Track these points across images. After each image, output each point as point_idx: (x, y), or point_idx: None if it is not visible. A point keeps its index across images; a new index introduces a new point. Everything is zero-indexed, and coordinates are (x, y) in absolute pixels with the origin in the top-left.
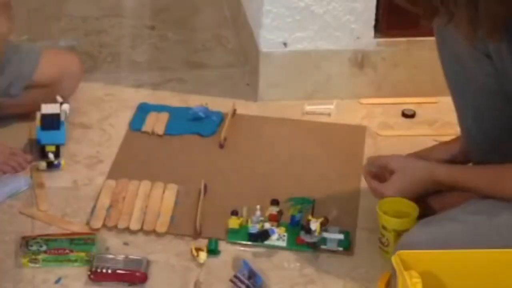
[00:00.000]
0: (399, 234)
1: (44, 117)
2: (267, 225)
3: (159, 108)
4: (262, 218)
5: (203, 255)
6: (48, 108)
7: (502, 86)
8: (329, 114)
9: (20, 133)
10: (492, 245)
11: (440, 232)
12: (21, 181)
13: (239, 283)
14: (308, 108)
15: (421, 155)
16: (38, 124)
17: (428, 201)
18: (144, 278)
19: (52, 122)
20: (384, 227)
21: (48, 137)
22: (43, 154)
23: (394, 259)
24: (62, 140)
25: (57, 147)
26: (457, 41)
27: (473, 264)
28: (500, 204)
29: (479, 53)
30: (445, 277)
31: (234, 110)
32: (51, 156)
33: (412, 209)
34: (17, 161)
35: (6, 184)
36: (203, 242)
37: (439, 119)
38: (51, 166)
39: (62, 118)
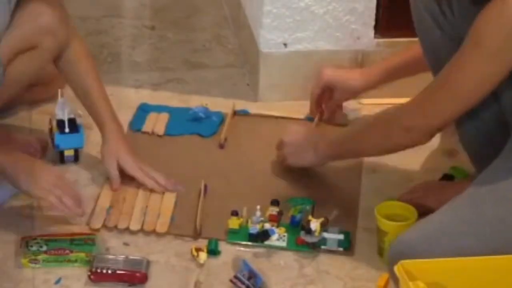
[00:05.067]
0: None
1: (60, 122)
2: (267, 226)
3: (159, 109)
4: (262, 219)
5: (203, 256)
6: (61, 113)
7: None
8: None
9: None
10: (478, 233)
11: (428, 226)
12: None
13: (239, 284)
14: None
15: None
16: (55, 129)
17: (427, 203)
18: (144, 279)
19: (70, 127)
20: (384, 232)
21: (66, 142)
22: (61, 159)
23: (398, 269)
24: (81, 144)
25: (76, 151)
26: (432, 35)
27: (480, 271)
28: (485, 195)
29: (455, 45)
30: (452, 286)
31: (234, 111)
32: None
33: (411, 213)
34: (66, 201)
35: (6, 185)
36: (203, 243)
37: None
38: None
39: (78, 121)
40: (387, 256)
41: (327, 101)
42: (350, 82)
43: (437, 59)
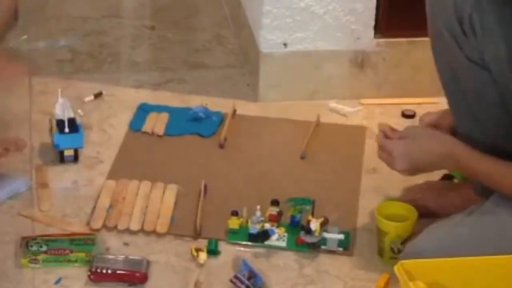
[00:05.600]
0: (397, 238)
1: (60, 122)
2: (267, 226)
3: (159, 109)
4: (262, 219)
5: (203, 256)
6: (61, 113)
7: (501, 95)
8: (345, 115)
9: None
10: (500, 250)
11: (447, 238)
12: (20, 183)
13: (239, 284)
14: (332, 105)
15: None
16: (55, 129)
17: (427, 203)
18: (144, 279)
19: (70, 127)
20: (384, 232)
21: (66, 142)
22: (61, 159)
23: (398, 269)
24: (81, 144)
25: (76, 151)
26: (450, 53)
27: (480, 271)
28: (506, 209)
29: (474, 65)
30: (451, 286)
31: (234, 111)
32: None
33: (411, 212)
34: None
35: (5, 186)
36: (203, 243)
37: None
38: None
39: (78, 121)
40: (387, 256)
41: None
42: None
43: (454, 78)
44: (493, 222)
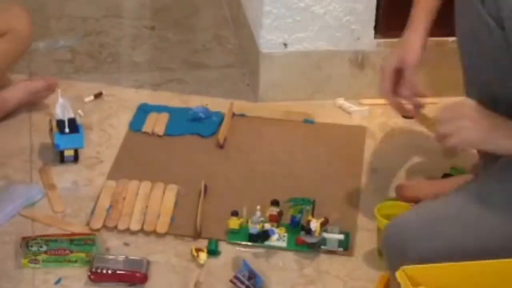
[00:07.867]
0: None
1: (60, 122)
2: (267, 226)
3: (159, 109)
4: (262, 219)
5: (203, 256)
6: (61, 113)
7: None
8: (350, 113)
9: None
10: (481, 221)
11: (432, 212)
12: (35, 190)
13: (239, 284)
14: (340, 102)
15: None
16: (55, 129)
17: (422, 190)
18: (144, 279)
19: (70, 127)
20: (383, 232)
21: (66, 142)
22: (61, 159)
23: (400, 275)
24: (81, 144)
25: (76, 151)
26: (473, 13)
27: (485, 275)
28: (493, 192)
29: (494, 22)
30: None
31: (233, 113)
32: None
33: None
34: None
35: (21, 195)
36: (203, 243)
37: None
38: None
39: (78, 121)
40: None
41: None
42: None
43: (475, 40)
44: (476, 197)
